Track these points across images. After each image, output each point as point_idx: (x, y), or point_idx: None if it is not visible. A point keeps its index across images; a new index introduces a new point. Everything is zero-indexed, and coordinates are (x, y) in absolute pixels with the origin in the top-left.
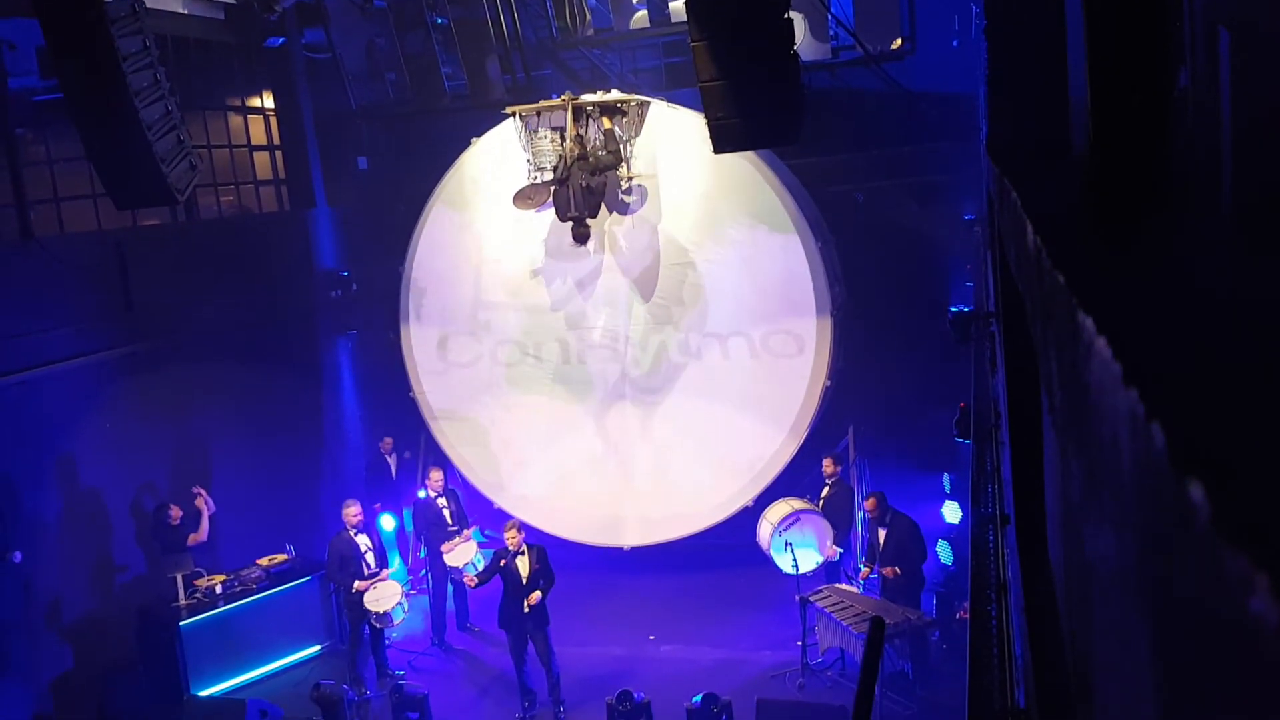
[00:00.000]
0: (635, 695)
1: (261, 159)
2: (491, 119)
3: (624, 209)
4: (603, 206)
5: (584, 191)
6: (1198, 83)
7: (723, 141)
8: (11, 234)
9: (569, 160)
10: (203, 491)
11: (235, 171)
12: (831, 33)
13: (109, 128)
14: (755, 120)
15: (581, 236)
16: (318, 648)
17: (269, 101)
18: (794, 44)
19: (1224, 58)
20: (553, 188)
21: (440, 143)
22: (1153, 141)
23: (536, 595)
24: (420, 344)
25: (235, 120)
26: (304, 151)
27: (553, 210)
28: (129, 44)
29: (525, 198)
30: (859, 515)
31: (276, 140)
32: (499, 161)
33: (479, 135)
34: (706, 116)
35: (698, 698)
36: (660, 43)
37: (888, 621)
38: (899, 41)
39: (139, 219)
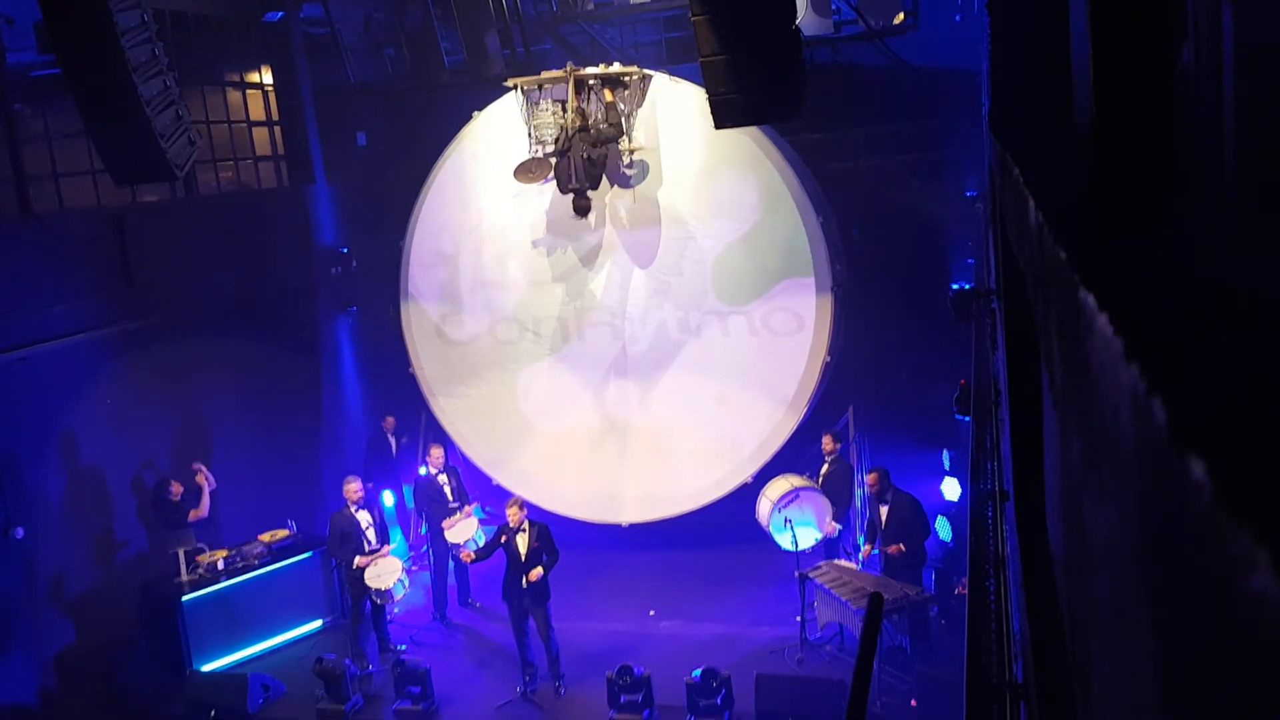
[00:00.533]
0: (635, 670)
1: (260, 135)
2: (491, 94)
3: (625, 182)
4: (604, 180)
5: (585, 163)
6: (1201, 59)
7: (724, 117)
8: (10, 210)
9: (570, 131)
10: (203, 468)
11: (234, 147)
12: (834, 7)
13: (107, 103)
14: (756, 95)
15: (582, 209)
16: (320, 623)
17: (267, 77)
18: (795, 19)
19: (1227, 34)
20: (554, 160)
21: (439, 118)
22: (1156, 118)
23: (537, 572)
24: (420, 320)
25: (234, 96)
26: (303, 127)
27: (554, 185)
28: (127, 19)
29: (526, 171)
30: (858, 492)
31: (275, 116)
32: (500, 136)
33: (480, 110)
34: (708, 92)
35: (697, 672)
36: (661, 17)
37: (886, 597)
38: (901, 16)
39: (138, 195)
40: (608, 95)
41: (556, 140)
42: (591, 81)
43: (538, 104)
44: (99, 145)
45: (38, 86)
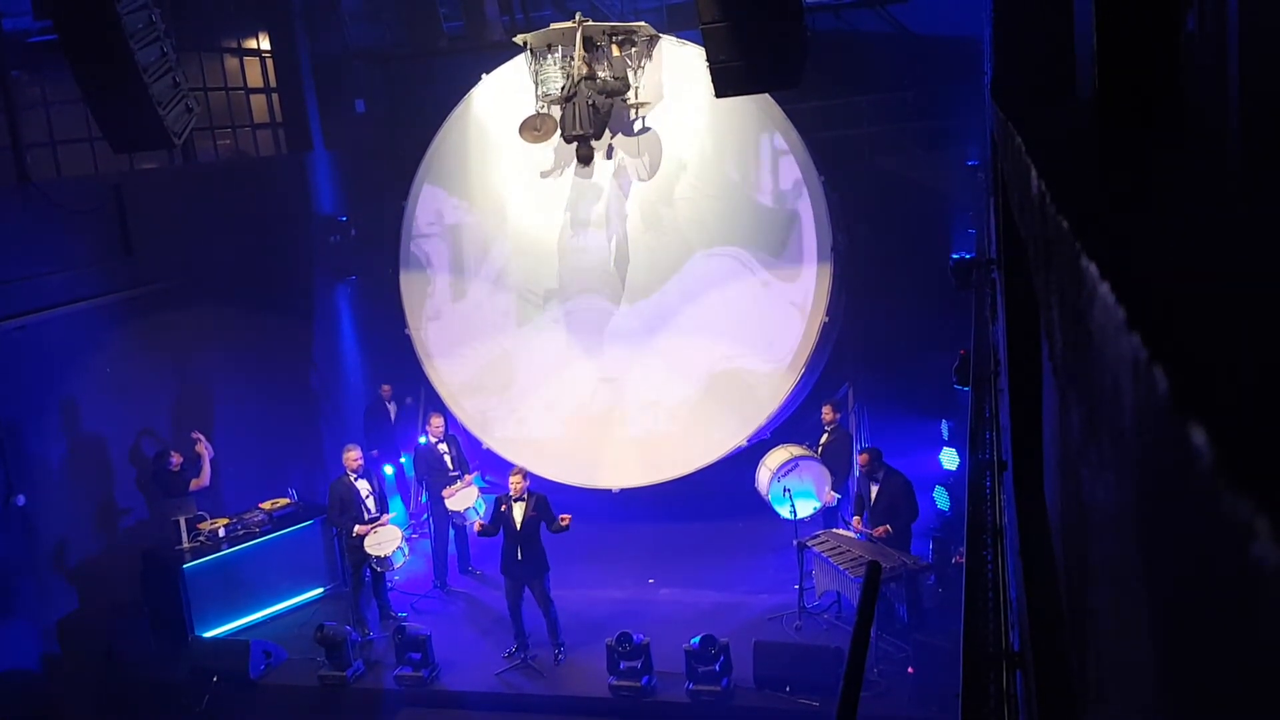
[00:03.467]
0: (635, 637)
1: (258, 102)
2: (489, 61)
3: (629, 130)
4: (605, 138)
5: (590, 110)
6: (1205, 27)
7: (724, 85)
8: (8, 177)
9: (577, 78)
10: (201, 437)
11: (232, 114)
12: None
13: (105, 70)
14: (758, 63)
15: (585, 157)
16: (321, 590)
17: (265, 43)
18: None
19: (1232, 1)
20: (560, 107)
21: (438, 85)
22: (1159, 85)
23: (566, 518)
24: (418, 285)
25: (231, 62)
26: (301, 94)
27: (556, 150)
28: None
29: (531, 128)
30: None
31: (273, 83)
32: (503, 104)
33: (488, 72)
34: (708, 59)
35: (696, 639)
36: None
37: (884, 566)
38: None
39: (136, 163)
40: (615, 51)
41: (563, 89)
42: (599, 39)
43: (545, 59)
44: (96, 113)
45: (35, 53)
